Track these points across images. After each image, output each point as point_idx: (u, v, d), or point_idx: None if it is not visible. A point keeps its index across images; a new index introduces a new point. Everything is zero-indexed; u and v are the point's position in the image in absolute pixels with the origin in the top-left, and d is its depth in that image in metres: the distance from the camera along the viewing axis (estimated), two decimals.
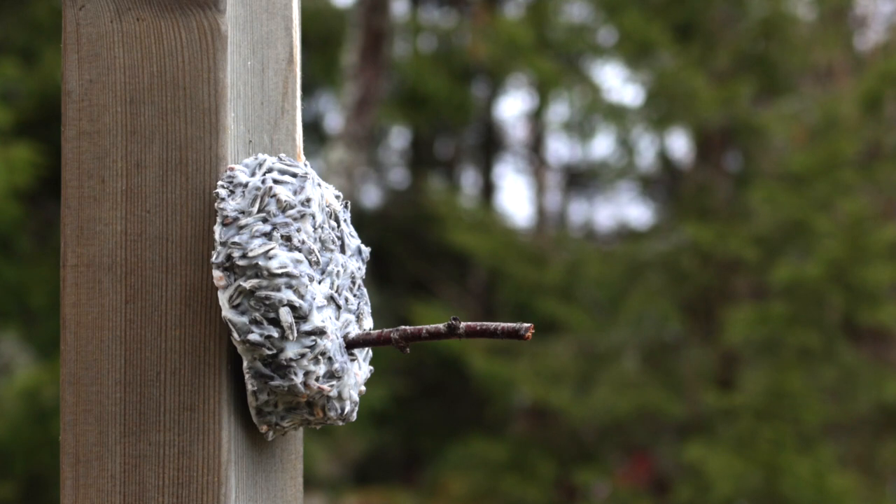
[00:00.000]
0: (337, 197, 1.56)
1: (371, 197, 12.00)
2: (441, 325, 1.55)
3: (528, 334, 1.50)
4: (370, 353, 1.57)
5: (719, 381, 7.81)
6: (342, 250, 1.55)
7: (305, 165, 1.53)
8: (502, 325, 1.51)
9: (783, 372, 7.20)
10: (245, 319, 1.42)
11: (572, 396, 7.71)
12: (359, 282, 1.57)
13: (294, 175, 1.48)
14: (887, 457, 7.59)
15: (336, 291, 1.51)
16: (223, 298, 1.42)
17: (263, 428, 1.47)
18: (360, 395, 1.55)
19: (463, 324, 1.54)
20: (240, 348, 1.43)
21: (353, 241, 1.57)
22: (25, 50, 8.07)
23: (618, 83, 10.75)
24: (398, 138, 12.89)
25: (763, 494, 7.07)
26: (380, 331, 1.53)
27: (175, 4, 1.45)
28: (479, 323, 1.54)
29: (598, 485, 8.35)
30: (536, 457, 8.08)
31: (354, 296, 1.56)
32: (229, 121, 1.45)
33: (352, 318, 1.54)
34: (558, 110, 10.44)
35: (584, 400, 7.70)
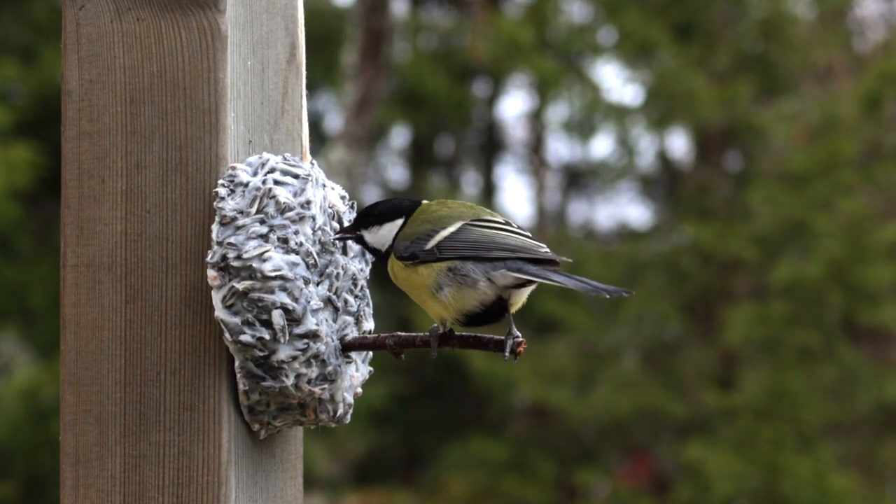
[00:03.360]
0: (343, 198, 1.57)
1: (371, 197, 11.99)
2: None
3: (521, 349, 1.52)
4: (370, 353, 1.58)
5: (719, 381, 7.81)
6: (344, 252, 1.55)
7: (311, 165, 1.53)
8: (495, 338, 1.54)
9: (783, 372, 7.20)
10: (237, 320, 1.42)
11: (572, 396, 7.70)
12: (361, 283, 1.57)
13: (296, 176, 1.48)
14: (887, 457, 7.59)
15: (335, 293, 1.51)
16: (216, 298, 1.42)
17: (255, 426, 1.47)
18: (357, 397, 1.55)
19: (457, 334, 1.56)
20: (231, 348, 1.43)
21: None
22: (25, 50, 8.07)
23: (618, 83, 10.76)
24: (398, 138, 12.89)
25: (763, 494, 7.07)
26: (376, 335, 1.54)
27: (175, 4, 1.45)
28: (471, 334, 1.55)
29: (598, 485, 8.35)
30: (536, 457, 8.08)
31: (356, 297, 1.56)
32: (229, 121, 1.45)
33: (350, 320, 1.54)
34: (558, 110, 10.43)
35: (584, 400, 7.69)
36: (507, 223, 1.59)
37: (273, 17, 1.56)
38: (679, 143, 9.70)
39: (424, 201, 1.67)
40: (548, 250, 1.54)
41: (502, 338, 1.54)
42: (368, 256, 1.59)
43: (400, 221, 1.64)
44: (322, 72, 9.37)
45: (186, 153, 1.45)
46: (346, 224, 1.56)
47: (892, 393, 7.28)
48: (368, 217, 1.63)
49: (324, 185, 1.52)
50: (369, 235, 1.63)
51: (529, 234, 1.58)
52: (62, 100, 1.48)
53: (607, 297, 1.48)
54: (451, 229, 1.58)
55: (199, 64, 1.45)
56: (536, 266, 1.52)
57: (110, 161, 1.46)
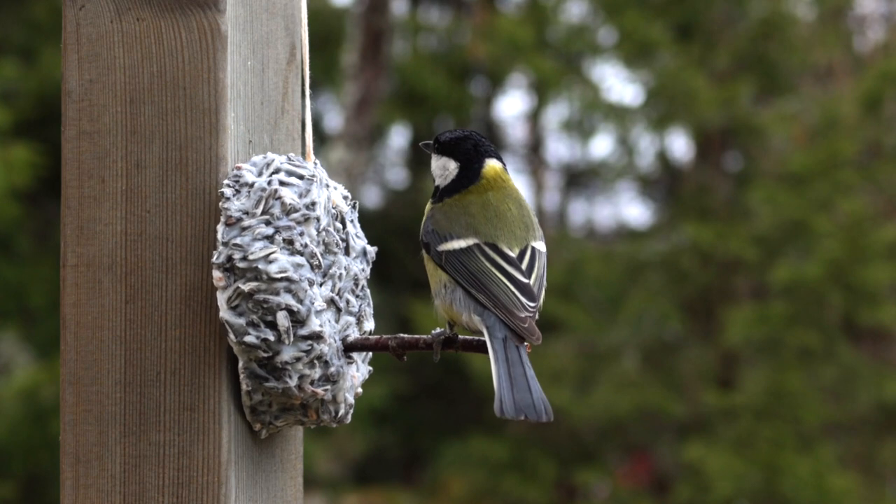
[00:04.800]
0: (345, 198, 1.57)
1: (371, 197, 11.99)
2: None
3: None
4: (370, 353, 1.58)
5: (719, 381, 7.81)
6: (346, 252, 1.55)
7: (315, 165, 1.53)
8: None
9: (783, 372, 7.20)
10: (242, 321, 1.42)
11: (572, 396, 7.70)
12: (362, 283, 1.57)
13: (301, 177, 1.48)
14: (887, 457, 7.59)
15: (337, 294, 1.51)
16: (222, 299, 1.42)
17: (257, 426, 1.47)
18: (357, 397, 1.55)
19: (460, 337, 1.55)
20: (236, 349, 1.43)
21: (360, 242, 1.57)
22: (25, 50, 8.07)
23: (618, 83, 10.77)
24: (398, 138, 12.89)
25: (763, 494, 7.07)
26: (378, 336, 1.54)
27: (175, 4, 1.45)
28: (474, 338, 1.55)
29: (598, 485, 8.35)
30: (536, 457, 8.08)
31: (357, 297, 1.56)
32: (229, 121, 1.45)
33: (352, 320, 1.54)
34: (558, 110, 10.43)
35: (584, 400, 7.69)
36: (520, 258, 1.56)
37: (273, 17, 1.56)
38: (679, 143, 9.70)
39: (492, 164, 1.63)
40: (526, 315, 1.51)
41: None
42: (370, 256, 1.59)
43: (454, 167, 1.63)
44: (322, 72, 9.37)
45: (186, 153, 1.45)
46: (348, 224, 1.56)
47: (892, 393, 7.28)
48: (436, 140, 1.65)
49: (327, 186, 1.52)
50: (434, 160, 1.66)
51: (529, 280, 1.55)
52: (62, 100, 1.48)
53: (522, 418, 1.45)
54: (461, 245, 1.57)
55: (199, 64, 1.45)
56: (502, 334, 1.50)
57: (110, 161, 1.46)
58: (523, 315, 1.51)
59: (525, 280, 1.55)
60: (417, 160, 12.97)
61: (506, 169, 1.65)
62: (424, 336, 1.54)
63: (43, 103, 7.64)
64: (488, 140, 1.64)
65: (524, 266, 1.56)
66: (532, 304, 1.52)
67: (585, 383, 7.82)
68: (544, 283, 1.57)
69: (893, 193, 8.20)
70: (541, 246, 1.60)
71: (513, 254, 1.57)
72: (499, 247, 1.57)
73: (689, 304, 7.98)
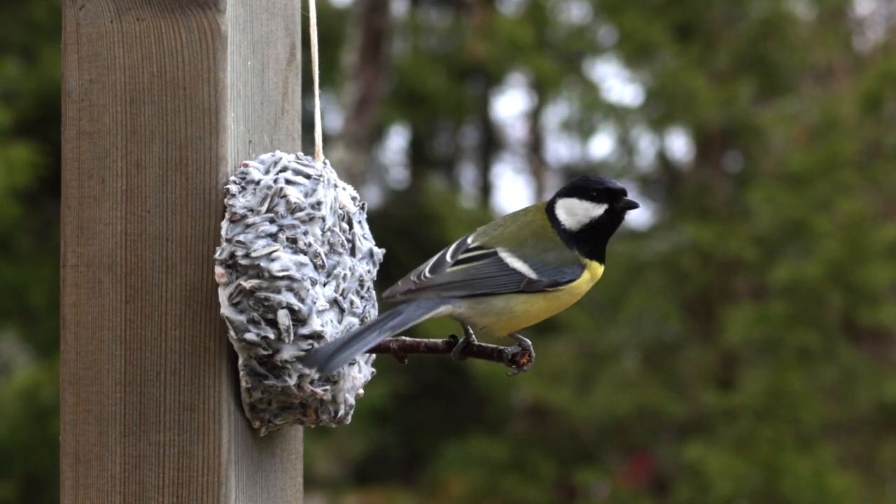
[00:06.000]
0: (353, 199, 1.57)
1: (371, 197, 11.99)
2: (440, 341, 1.57)
3: (524, 360, 1.52)
4: (373, 355, 1.58)
5: (719, 381, 7.81)
6: (352, 253, 1.55)
7: (324, 165, 1.53)
8: (500, 348, 1.54)
9: (783, 372, 7.20)
10: (243, 318, 1.42)
11: (572, 396, 7.70)
12: (368, 284, 1.57)
13: (308, 176, 1.48)
14: (887, 457, 7.59)
15: (341, 295, 1.51)
16: (223, 295, 1.42)
17: (256, 424, 1.47)
18: (359, 398, 1.55)
19: (461, 340, 1.56)
20: (236, 346, 1.43)
21: (366, 243, 1.57)
22: (25, 50, 8.07)
23: (618, 83, 10.76)
24: (397, 138, 12.89)
25: (763, 494, 7.07)
26: None
27: (175, 4, 1.45)
28: (477, 343, 1.56)
29: (598, 485, 8.35)
30: (536, 457, 8.08)
31: (362, 298, 1.56)
32: (229, 121, 1.45)
33: (355, 321, 1.54)
34: (558, 110, 10.43)
35: (584, 400, 7.69)
36: (468, 250, 1.59)
37: (273, 17, 1.56)
38: (679, 143, 9.70)
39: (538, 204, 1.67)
40: (411, 280, 1.55)
41: (509, 349, 1.54)
42: (377, 257, 1.59)
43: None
44: (322, 72, 9.36)
45: (186, 153, 1.45)
46: (355, 225, 1.55)
47: (892, 393, 7.28)
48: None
49: (335, 186, 1.52)
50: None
51: (449, 260, 1.59)
52: (62, 100, 1.48)
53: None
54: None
55: (199, 64, 1.45)
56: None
57: (110, 161, 1.46)
58: (410, 278, 1.53)
59: (445, 257, 1.56)
60: (417, 160, 12.96)
61: (549, 208, 1.66)
62: (426, 339, 1.55)
63: (43, 103, 7.64)
64: (572, 184, 1.66)
65: (461, 255, 1.56)
66: (427, 275, 1.53)
67: (585, 383, 7.82)
68: (470, 279, 1.54)
69: (893, 193, 8.20)
70: (507, 256, 1.57)
71: (469, 241, 1.59)
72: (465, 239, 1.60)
73: (689, 304, 7.98)
